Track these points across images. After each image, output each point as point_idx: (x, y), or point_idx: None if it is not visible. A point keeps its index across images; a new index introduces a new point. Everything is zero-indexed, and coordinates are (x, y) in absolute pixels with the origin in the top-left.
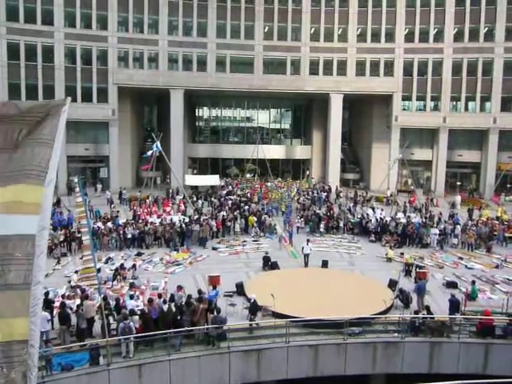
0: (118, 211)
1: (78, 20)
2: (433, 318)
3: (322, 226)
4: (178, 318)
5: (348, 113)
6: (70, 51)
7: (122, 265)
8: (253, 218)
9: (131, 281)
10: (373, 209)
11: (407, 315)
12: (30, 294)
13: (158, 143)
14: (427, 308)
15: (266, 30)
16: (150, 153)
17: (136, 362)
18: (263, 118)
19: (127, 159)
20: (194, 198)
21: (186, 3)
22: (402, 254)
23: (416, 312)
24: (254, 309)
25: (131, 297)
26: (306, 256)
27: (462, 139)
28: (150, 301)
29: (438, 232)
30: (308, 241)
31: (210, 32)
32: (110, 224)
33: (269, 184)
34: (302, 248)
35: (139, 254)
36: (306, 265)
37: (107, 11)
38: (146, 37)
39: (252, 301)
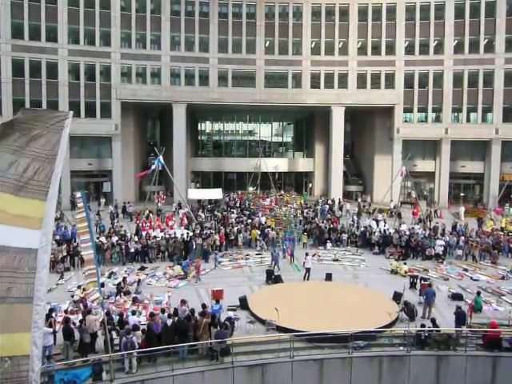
0: (121, 226)
1: (82, 36)
2: (438, 330)
3: (329, 244)
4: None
5: (350, 125)
6: (73, 67)
7: (124, 279)
8: (256, 232)
9: (134, 295)
10: (376, 221)
11: (413, 328)
12: (33, 308)
13: (161, 157)
14: (433, 321)
15: (267, 45)
16: (153, 167)
17: (139, 378)
18: (265, 131)
19: (130, 173)
20: (198, 212)
21: (188, 19)
22: (405, 263)
23: (422, 325)
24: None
25: (133, 312)
26: (308, 270)
27: (465, 150)
28: (152, 315)
29: (443, 243)
30: (307, 254)
31: (211, 47)
32: (113, 238)
33: (271, 199)
34: (304, 263)
35: (142, 269)
36: (307, 279)
37: (110, 28)
38: (149, 52)
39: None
